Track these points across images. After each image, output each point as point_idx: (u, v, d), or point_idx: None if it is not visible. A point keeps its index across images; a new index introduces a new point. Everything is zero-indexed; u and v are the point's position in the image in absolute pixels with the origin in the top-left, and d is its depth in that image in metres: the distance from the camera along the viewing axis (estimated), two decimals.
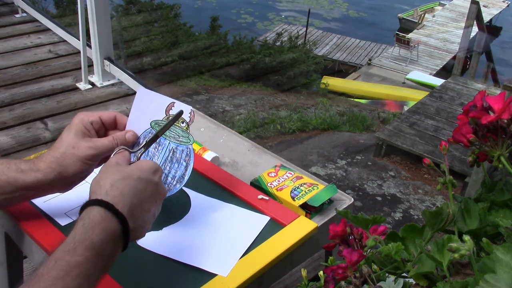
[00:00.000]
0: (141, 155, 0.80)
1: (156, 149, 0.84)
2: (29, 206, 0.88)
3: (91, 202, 0.66)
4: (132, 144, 0.83)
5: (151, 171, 0.72)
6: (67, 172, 0.77)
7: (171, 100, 0.85)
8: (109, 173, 0.70)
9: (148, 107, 0.85)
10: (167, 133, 0.84)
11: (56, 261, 0.59)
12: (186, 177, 0.84)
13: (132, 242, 0.69)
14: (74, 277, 0.59)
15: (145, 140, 0.81)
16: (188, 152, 0.85)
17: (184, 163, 0.84)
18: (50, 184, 0.77)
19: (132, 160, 0.78)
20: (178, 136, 0.85)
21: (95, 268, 0.61)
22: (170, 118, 0.84)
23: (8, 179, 0.75)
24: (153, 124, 0.85)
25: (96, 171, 0.79)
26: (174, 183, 0.84)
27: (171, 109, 0.85)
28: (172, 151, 0.85)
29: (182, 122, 0.85)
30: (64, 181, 0.79)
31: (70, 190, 0.90)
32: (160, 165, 0.83)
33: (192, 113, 0.86)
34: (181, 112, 0.84)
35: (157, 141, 0.84)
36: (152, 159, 0.84)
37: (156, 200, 0.72)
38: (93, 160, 0.78)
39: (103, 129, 0.83)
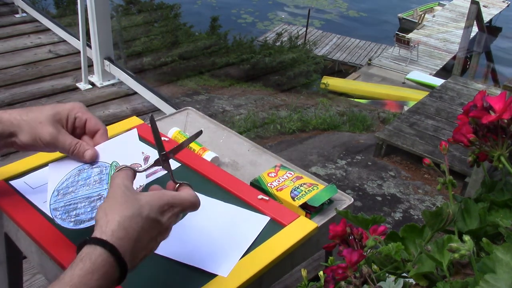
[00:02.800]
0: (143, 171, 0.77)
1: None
2: (29, 206, 0.88)
3: (95, 241, 0.62)
4: (91, 161, 0.81)
5: (160, 210, 0.68)
6: (18, 136, 0.78)
7: (146, 154, 0.81)
8: (118, 205, 0.66)
9: (123, 150, 0.82)
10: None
11: None
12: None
13: None
14: None
15: (153, 160, 0.77)
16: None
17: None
18: (1, 139, 0.78)
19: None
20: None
21: None
22: (184, 140, 0.81)
23: None
24: (113, 164, 0.81)
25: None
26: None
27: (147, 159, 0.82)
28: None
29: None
30: (12, 142, 0.79)
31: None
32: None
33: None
34: (200, 132, 0.81)
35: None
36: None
37: (157, 239, 0.69)
38: (46, 145, 0.78)
39: (83, 130, 0.82)
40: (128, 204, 0.66)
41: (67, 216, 0.79)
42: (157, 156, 0.76)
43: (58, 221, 0.78)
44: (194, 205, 0.72)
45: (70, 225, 0.78)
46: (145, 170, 0.75)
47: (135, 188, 0.73)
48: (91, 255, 0.61)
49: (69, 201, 0.79)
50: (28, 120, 0.78)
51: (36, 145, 0.78)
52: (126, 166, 0.73)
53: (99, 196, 0.79)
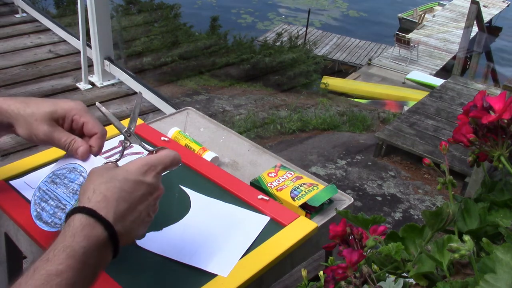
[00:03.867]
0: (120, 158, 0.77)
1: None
2: (29, 206, 0.88)
3: (73, 211, 0.63)
4: (83, 158, 0.79)
5: (140, 172, 0.68)
6: (15, 129, 0.79)
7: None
8: (93, 178, 0.67)
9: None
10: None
11: (35, 270, 0.57)
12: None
13: (125, 246, 0.66)
14: (54, 286, 0.56)
15: (121, 146, 0.79)
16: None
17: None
18: (0, 127, 0.80)
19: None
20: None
21: (80, 276, 0.58)
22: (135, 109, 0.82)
23: None
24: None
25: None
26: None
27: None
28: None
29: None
30: (8, 132, 0.81)
31: None
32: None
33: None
34: (140, 93, 0.83)
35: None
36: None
37: (148, 200, 0.68)
38: (41, 142, 0.79)
39: (81, 132, 0.81)
40: (104, 174, 0.67)
41: (38, 203, 0.80)
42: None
43: (32, 200, 0.80)
44: (175, 161, 0.72)
45: (33, 214, 0.79)
46: (121, 155, 0.76)
47: None
48: (70, 222, 0.62)
49: (49, 190, 0.80)
50: (25, 116, 0.78)
51: (32, 140, 0.79)
52: (109, 162, 0.73)
53: (63, 208, 0.78)
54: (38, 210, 0.79)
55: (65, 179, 0.80)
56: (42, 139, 0.78)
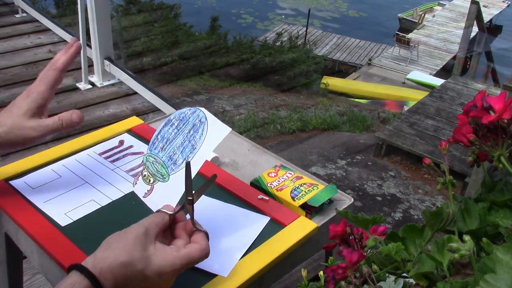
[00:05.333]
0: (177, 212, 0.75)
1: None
2: (29, 206, 0.88)
3: (86, 273, 0.64)
4: (77, 124, 0.81)
5: (158, 272, 0.66)
6: (10, 144, 0.80)
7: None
8: (122, 246, 0.66)
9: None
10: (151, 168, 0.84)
11: None
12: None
13: None
14: None
15: (180, 205, 0.76)
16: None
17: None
18: None
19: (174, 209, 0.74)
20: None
21: None
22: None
23: None
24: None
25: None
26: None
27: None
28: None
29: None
30: (3, 148, 0.81)
31: (70, 191, 0.92)
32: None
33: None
34: (214, 176, 0.80)
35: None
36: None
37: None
38: (36, 139, 0.80)
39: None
40: (130, 251, 0.66)
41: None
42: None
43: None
44: (203, 259, 0.71)
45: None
46: (175, 214, 0.74)
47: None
48: (80, 285, 0.63)
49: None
50: (7, 132, 0.79)
51: (27, 143, 0.81)
52: (166, 212, 0.72)
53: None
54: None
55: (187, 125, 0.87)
56: (34, 136, 0.80)
